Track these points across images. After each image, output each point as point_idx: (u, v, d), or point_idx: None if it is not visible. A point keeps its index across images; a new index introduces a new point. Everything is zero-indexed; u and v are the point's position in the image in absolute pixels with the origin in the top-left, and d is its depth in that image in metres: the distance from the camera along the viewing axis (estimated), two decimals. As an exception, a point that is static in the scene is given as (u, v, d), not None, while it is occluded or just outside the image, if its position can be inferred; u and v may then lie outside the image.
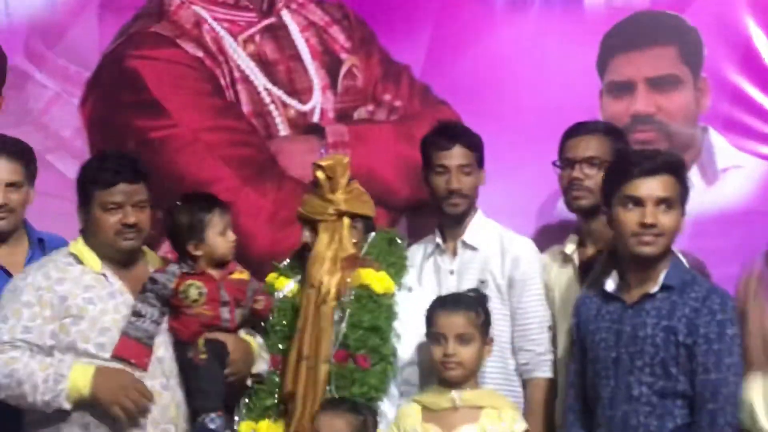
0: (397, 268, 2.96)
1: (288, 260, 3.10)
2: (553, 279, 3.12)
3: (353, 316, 2.85)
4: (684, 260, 2.80)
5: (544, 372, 3.07)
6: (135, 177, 2.76)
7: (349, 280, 2.90)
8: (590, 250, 3.04)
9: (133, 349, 2.67)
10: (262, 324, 3.05)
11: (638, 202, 2.55)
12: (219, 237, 2.84)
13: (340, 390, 2.81)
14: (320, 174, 2.94)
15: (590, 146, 2.97)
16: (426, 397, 2.77)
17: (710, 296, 2.55)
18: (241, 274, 2.91)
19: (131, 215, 2.72)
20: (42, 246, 3.10)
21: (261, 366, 2.94)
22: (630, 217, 2.57)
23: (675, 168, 2.61)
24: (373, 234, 3.03)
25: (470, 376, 2.72)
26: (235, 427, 2.90)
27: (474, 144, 3.07)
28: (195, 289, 2.78)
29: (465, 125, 3.23)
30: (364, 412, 2.71)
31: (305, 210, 2.99)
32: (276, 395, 2.88)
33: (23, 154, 3.10)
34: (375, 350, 2.83)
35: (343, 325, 2.85)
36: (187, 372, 2.78)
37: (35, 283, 2.71)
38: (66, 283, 2.71)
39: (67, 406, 2.61)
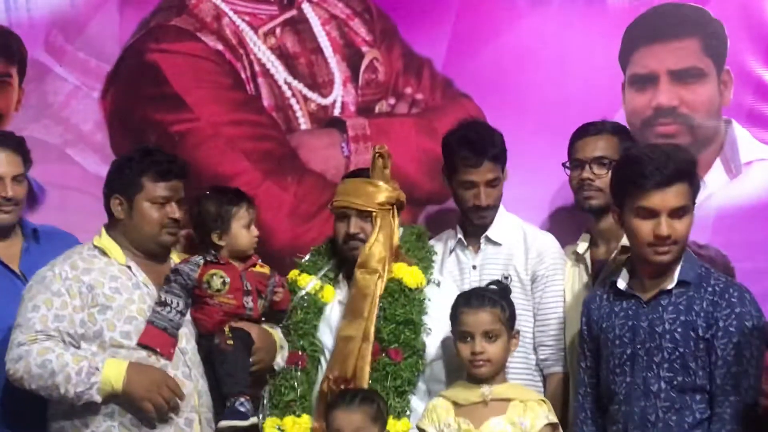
0: (426, 263, 2.97)
1: (309, 255, 3.11)
2: (565, 278, 3.16)
3: (386, 310, 2.88)
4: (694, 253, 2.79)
5: (565, 367, 3.10)
6: (183, 174, 2.85)
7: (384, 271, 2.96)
8: (602, 250, 3.07)
9: (158, 337, 2.71)
10: (279, 318, 3.07)
11: (653, 213, 2.56)
12: (243, 229, 2.87)
13: (375, 383, 2.84)
14: (380, 161, 2.96)
15: (599, 146, 3.00)
16: (455, 392, 2.80)
17: (728, 289, 2.57)
18: (262, 268, 2.94)
19: (177, 211, 2.80)
20: (36, 236, 3.14)
21: (278, 360, 2.97)
22: (645, 228, 2.59)
23: (687, 174, 2.61)
24: (402, 229, 3.04)
25: (499, 371, 2.76)
26: (260, 423, 2.92)
27: (501, 155, 3.07)
28: (218, 278, 2.82)
29: (488, 129, 3.21)
30: (377, 400, 2.75)
31: (356, 199, 2.97)
32: (298, 390, 2.89)
33: (22, 147, 3.13)
34: (407, 344, 2.85)
35: (379, 318, 2.88)
36: (214, 359, 2.80)
37: (63, 273, 2.72)
38: (93, 273, 2.73)
39: (98, 398, 2.64)
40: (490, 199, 3.02)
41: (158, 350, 2.71)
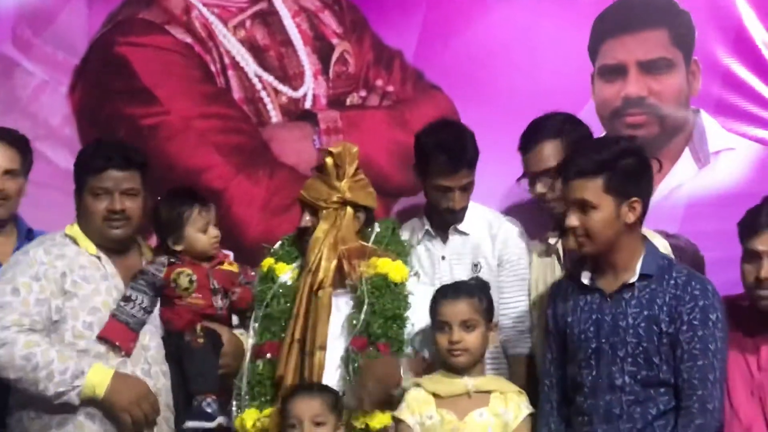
0: (404, 257, 2.99)
1: (280, 244, 3.10)
2: (533, 269, 3.15)
3: (375, 305, 2.88)
4: (661, 243, 2.87)
5: (526, 348, 3.11)
6: (126, 164, 2.77)
7: (363, 269, 2.92)
8: (572, 242, 2.99)
9: (119, 332, 2.69)
10: (247, 316, 3.05)
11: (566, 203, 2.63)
12: (198, 233, 2.86)
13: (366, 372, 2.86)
14: (329, 160, 2.95)
15: (543, 157, 2.99)
16: (435, 384, 2.79)
17: (690, 282, 2.58)
18: (230, 266, 2.95)
19: (118, 202, 2.73)
20: (30, 238, 3.07)
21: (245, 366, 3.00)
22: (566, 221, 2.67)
23: (607, 167, 2.61)
24: (377, 224, 3.04)
25: (476, 362, 2.77)
26: (233, 416, 2.90)
27: (475, 158, 3.08)
28: (185, 276, 2.80)
29: (463, 132, 3.18)
30: (334, 393, 2.74)
31: (308, 194, 2.98)
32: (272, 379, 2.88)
33: (21, 144, 3.11)
34: (395, 338, 2.86)
35: (363, 314, 2.88)
36: (183, 357, 2.78)
37: (38, 258, 2.71)
38: (65, 259, 2.72)
39: (76, 401, 2.64)
40: (464, 202, 3.06)
41: (117, 344, 2.69)
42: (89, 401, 2.69)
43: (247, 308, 2.98)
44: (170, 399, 2.82)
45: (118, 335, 2.70)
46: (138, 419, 2.69)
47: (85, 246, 2.78)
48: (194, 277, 2.82)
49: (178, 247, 2.86)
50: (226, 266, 2.94)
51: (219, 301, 2.88)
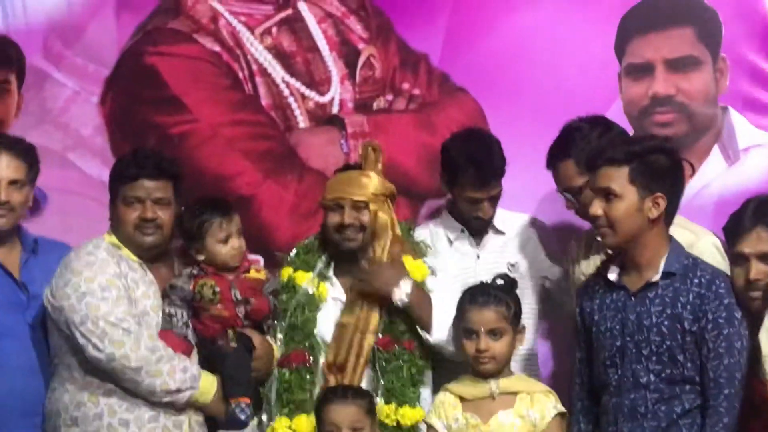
0: (421, 255, 2.99)
1: (296, 251, 3.10)
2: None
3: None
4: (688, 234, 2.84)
5: None
6: (158, 174, 2.80)
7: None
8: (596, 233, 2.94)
9: (181, 345, 2.76)
10: (267, 325, 3.04)
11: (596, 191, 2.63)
12: (219, 244, 2.85)
13: (394, 373, 2.87)
14: (372, 155, 2.97)
15: (567, 176, 2.95)
16: (461, 387, 2.78)
17: (714, 281, 2.58)
18: (257, 273, 2.93)
19: (150, 210, 2.76)
20: (35, 248, 3.10)
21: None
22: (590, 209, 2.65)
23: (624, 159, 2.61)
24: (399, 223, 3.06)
25: (503, 367, 2.75)
26: (266, 422, 2.92)
27: (503, 169, 3.07)
28: (209, 288, 2.81)
29: (492, 144, 3.15)
30: (368, 394, 2.76)
31: (353, 191, 2.96)
32: (308, 390, 2.91)
33: (27, 154, 3.06)
34: (417, 334, 2.89)
35: (385, 311, 2.90)
36: (216, 362, 2.80)
37: (105, 258, 2.77)
38: (122, 263, 2.77)
39: (182, 402, 2.75)
40: (492, 211, 3.07)
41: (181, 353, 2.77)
42: (187, 404, 2.79)
43: (262, 319, 2.98)
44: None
45: (181, 348, 2.77)
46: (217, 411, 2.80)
47: (126, 253, 2.82)
48: (217, 289, 2.82)
49: (201, 257, 2.87)
50: (252, 274, 2.92)
51: (243, 311, 2.89)
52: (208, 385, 2.78)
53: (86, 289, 2.73)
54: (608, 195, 2.56)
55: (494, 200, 3.06)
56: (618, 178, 2.55)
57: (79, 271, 2.76)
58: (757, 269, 2.57)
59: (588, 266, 3.05)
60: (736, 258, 2.62)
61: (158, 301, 2.84)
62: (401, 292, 2.88)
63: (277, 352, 2.98)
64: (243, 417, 2.78)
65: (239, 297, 2.83)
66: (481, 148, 3.09)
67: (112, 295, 2.74)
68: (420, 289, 2.94)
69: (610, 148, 2.68)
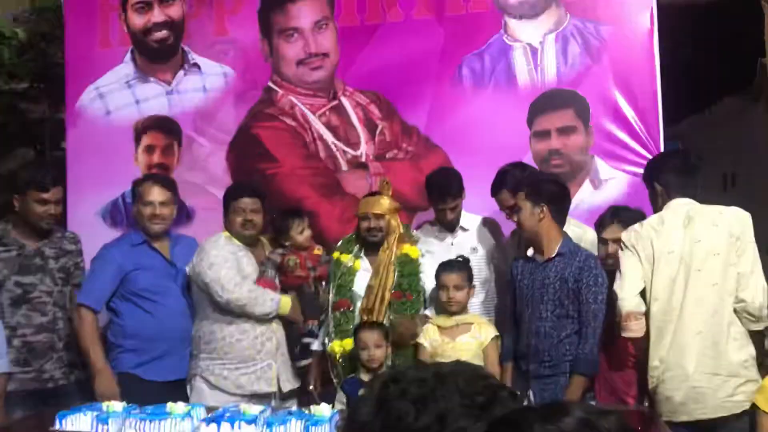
0: (415, 244, 3.57)
1: (341, 242, 3.63)
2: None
3: (402, 271, 3.43)
4: (575, 236, 3.29)
5: None
6: (252, 194, 3.46)
7: (396, 249, 3.44)
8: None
9: (269, 283, 3.42)
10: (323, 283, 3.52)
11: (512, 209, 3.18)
12: (297, 234, 3.50)
13: (401, 312, 3.38)
14: (386, 186, 3.58)
15: (505, 198, 3.49)
16: (438, 320, 3.32)
17: (588, 259, 3.09)
18: (318, 251, 3.57)
19: (249, 215, 3.40)
20: (177, 241, 3.64)
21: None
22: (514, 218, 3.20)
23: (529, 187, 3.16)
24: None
25: (463, 309, 3.29)
26: (327, 343, 3.44)
27: (460, 190, 3.57)
28: (292, 261, 3.47)
29: (453, 175, 3.67)
30: (384, 327, 3.24)
31: (376, 208, 3.48)
32: (352, 323, 3.39)
33: (171, 185, 3.61)
34: (415, 290, 3.43)
35: (396, 275, 3.40)
36: (300, 299, 3.42)
37: (226, 248, 3.43)
38: (232, 247, 3.44)
39: (273, 315, 3.37)
40: (454, 216, 3.62)
41: (269, 290, 3.36)
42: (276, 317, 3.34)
43: (324, 280, 3.52)
44: (286, 348, 3.47)
45: (269, 285, 3.40)
46: (297, 320, 3.43)
47: (236, 242, 3.45)
48: (297, 261, 3.45)
49: (287, 243, 3.47)
50: (315, 251, 3.54)
51: (312, 273, 3.46)
52: (285, 304, 3.37)
53: (213, 260, 3.33)
54: (516, 207, 3.16)
55: (454, 210, 3.58)
56: (519, 198, 3.16)
57: (208, 251, 3.37)
58: (612, 248, 3.11)
59: (518, 250, 3.49)
60: (600, 241, 3.20)
61: (255, 267, 3.42)
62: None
63: (330, 301, 3.45)
64: (315, 330, 3.37)
65: (310, 265, 3.48)
66: (444, 180, 3.60)
67: (227, 264, 3.30)
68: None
69: (517, 181, 3.25)
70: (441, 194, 3.56)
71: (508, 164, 3.54)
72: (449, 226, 3.62)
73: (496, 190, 3.43)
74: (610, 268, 3.07)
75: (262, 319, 3.34)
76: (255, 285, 3.35)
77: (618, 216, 3.16)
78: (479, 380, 0.84)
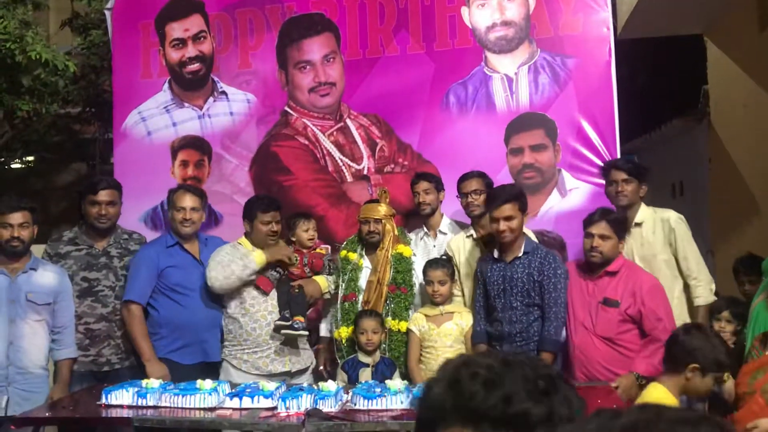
0: (408, 244, 3.64)
1: (346, 243, 3.68)
2: (467, 250, 3.54)
3: (397, 267, 3.49)
4: (533, 236, 3.40)
5: None
6: (277, 208, 3.49)
7: (391, 249, 3.50)
8: (482, 232, 3.57)
9: (265, 283, 3.41)
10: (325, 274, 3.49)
11: (496, 219, 3.16)
12: (301, 233, 3.52)
13: (395, 304, 3.41)
14: (385, 195, 3.62)
15: (472, 185, 3.58)
16: (426, 309, 3.38)
17: (548, 256, 3.18)
18: (321, 250, 3.54)
19: (275, 227, 3.45)
20: (206, 243, 3.62)
21: (330, 289, 3.50)
22: (494, 226, 3.16)
23: (515, 197, 3.18)
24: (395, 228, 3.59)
25: (446, 300, 3.35)
26: (334, 329, 3.48)
27: (438, 186, 3.71)
28: (295, 257, 3.46)
29: (432, 173, 3.83)
30: (380, 315, 3.30)
31: (374, 213, 3.52)
32: (354, 313, 3.43)
33: (201, 194, 3.62)
34: (408, 284, 3.48)
35: (392, 271, 3.46)
36: (289, 299, 3.38)
37: (229, 250, 3.46)
38: (238, 252, 3.43)
39: (251, 265, 3.32)
40: (431, 202, 3.67)
41: (261, 288, 3.39)
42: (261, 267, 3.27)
43: (320, 271, 3.49)
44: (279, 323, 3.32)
45: (264, 285, 3.40)
46: (283, 257, 3.36)
47: (248, 247, 3.44)
48: (297, 258, 3.44)
49: (294, 239, 3.50)
50: (318, 250, 3.54)
51: (308, 271, 3.46)
52: (258, 256, 3.34)
53: (210, 266, 3.37)
54: (510, 218, 3.15)
55: (430, 193, 3.61)
56: (513, 209, 3.17)
57: (218, 252, 3.42)
58: (596, 242, 3.13)
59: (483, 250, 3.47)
60: (586, 235, 3.17)
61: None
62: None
63: (340, 294, 3.45)
64: (297, 326, 3.29)
65: (306, 261, 3.43)
66: (422, 173, 3.72)
67: (217, 267, 3.32)
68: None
69: (507, 195, 3.20)
70: (419, 181, 3.69)
71: (499, 186, 3.50)
72: (425, 217, 3.67)
73: (499, 203, 3.21)
74: (596, 258, 3.13)
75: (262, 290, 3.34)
76: (226, 261, 3.32)
77: (606, 216, 3.17)
78: (540, 368, 0.84)
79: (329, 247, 3.72)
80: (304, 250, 3.43)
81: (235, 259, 3.30)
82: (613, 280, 3.12)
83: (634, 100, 6.33)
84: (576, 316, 3.16)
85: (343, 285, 3.49)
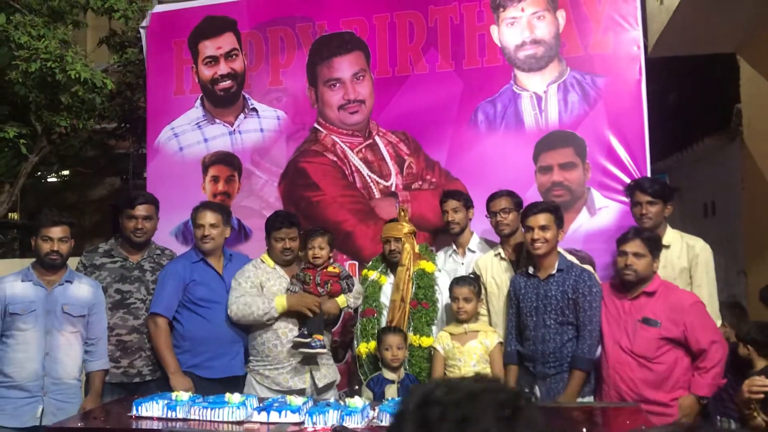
0: (432, 261, 3.60)
1: (371, 262, 3.68)
2: (494, 269, 3.50)
3: (419, 283, 3.43)
4: (568, 255, 3.28)
5: None
6: (290, 224, 3.42)
7: (413, 266, 3.46)
8: (510, 251, 3.54)
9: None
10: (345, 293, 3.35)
11: (531, 228, 3.13)
12: (308, 251, 3.41)
13: (418, 320, 3.35)
14: (404, 213, 3.61)
15: (501, 203, 3.53)
16: (451, 327, 3.32)
17: (582, 274, 3.13)
18: (334, 269, 3.38)
19: (288, 244, 3.40)
20: (231, 258, 3.61)
21: (350, 302, 3.39)
22: (528, 236, 3.16)
23: (551, 210, 3.20)
24: (419, 246, 3.63)
25: (471, 318, 3.30)
26: (355, 345, 3.45)
27: (468, 203, 3.67)
28: (308, 277, 3.38)
29: (461, 191, 3.79)
30: (403, 332, 3.24)
31: (396, 232, 3.50)
32: (375, 328, 3.41)
33: (223, 210, 3.62)
34: (430, 300, 3.41)
35: (414, 287, 3.41)
36: (306, 318, 3.34)
37: (249, 272, 3.43)
38: (260, 271, 3.43)
39: (276, 315, 3.28)
40: (460, 221, 3.64)
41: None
42: (282, 314, 3.21)
43: (336, 295, 3.36)
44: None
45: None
46: (309, 308, 3.25)
47: (270, 264, 3.43)
48: (310, 276, 3.36)
49: (309, 258, 3.40)
50: (330, 269, 3.39)
51: (321, 289, 3.36)
52: (279, 301, 3.29)
53: (233, 286, 3.37)
54: (545, 227, 3.13)
55: (459, 212, 3.57)
56: (549, 219, 3.16)
57: (239, 274, 3.40)
58: (630, 260, 3.07)
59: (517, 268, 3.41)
60: (620, 253, 3.11)
61: (283, 286, 3.34)
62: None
63: (346, 304, 3.36)
64: (314, 345, 3.26)
65: (319, 280, 3.35)
66: (453, 191, 3.67)
67: (238, 290, 3.31)
68: None
69: (542, 205, 3.24)
70: (449, 198, 3.67)
71: (532, 203, 3.41)
72: (454, 235, 3.62)
73: (536, 211, 3.23)
74: (630, 277, 3.08)
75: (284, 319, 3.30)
76: (250, 298, 3.29)
77: (641, 234, 3.13)
78: (502, 393, 0.82)
79: (338, 265, 3.61)
80: (317, 270, 3.36)
81: (257, 298, 3.28)
82: (650, 300, 3.07)
83: (666, 118, 6.26)
84: (611, 335, 3.11)
85: (361, 300, 3.49)
